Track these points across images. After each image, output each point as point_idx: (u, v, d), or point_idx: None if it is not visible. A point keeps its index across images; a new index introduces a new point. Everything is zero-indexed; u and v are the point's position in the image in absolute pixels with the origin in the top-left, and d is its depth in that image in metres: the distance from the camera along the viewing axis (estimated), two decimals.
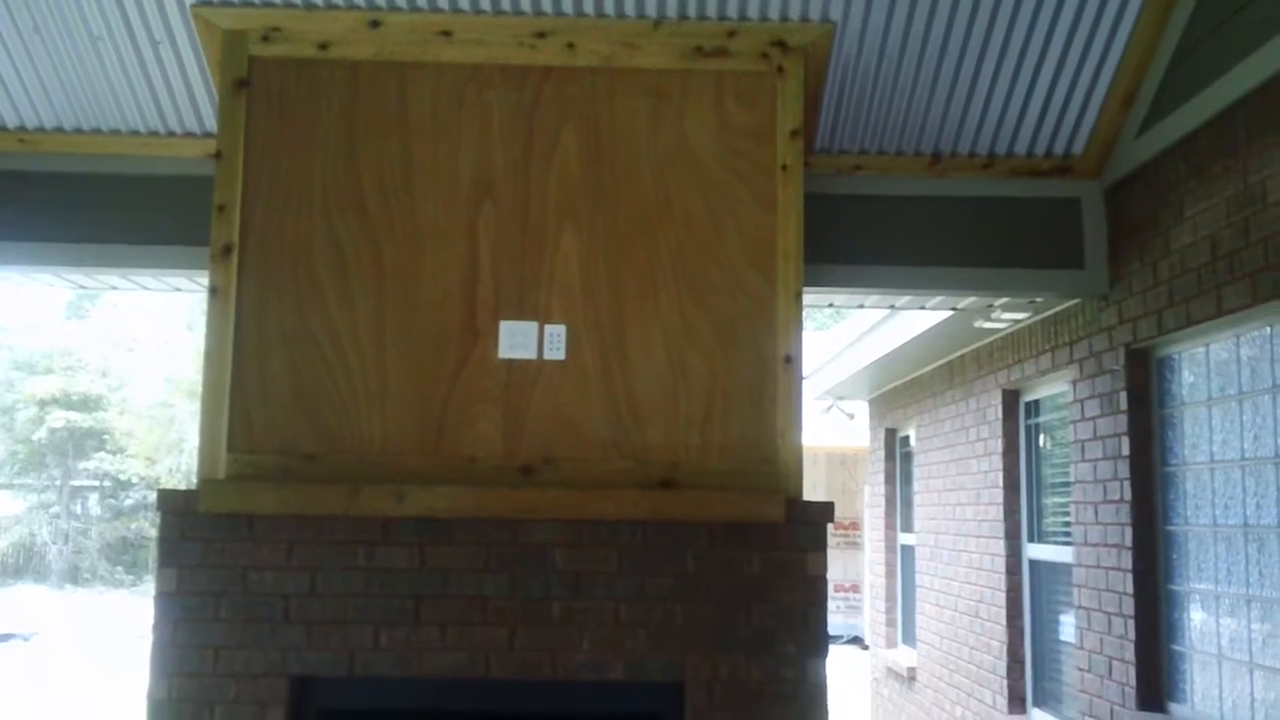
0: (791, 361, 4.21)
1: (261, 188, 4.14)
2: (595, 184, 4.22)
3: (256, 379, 4.01)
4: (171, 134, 4.80)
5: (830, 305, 5.98)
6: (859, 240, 5.05)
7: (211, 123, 4.68)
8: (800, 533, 4.06)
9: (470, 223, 4.16)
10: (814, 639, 4.02)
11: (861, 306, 6.10)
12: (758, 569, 4.03)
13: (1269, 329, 4.02)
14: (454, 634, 3.81)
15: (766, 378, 4.18)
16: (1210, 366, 4.45)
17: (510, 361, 4.08)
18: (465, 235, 4.15)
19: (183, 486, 3.85)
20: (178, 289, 5.44)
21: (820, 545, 4.08)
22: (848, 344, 9.02)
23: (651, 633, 3.94)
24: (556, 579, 3.91)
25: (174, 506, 3.83)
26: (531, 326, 4.11)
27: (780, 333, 4.23)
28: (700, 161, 4.26)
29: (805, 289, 4.89)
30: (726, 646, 3.96)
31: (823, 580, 4.04)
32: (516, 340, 4.08)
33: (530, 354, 4.08)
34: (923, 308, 6.04)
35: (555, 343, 4.10)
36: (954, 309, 5.91)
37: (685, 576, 3.98)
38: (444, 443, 4.00)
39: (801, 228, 4.25)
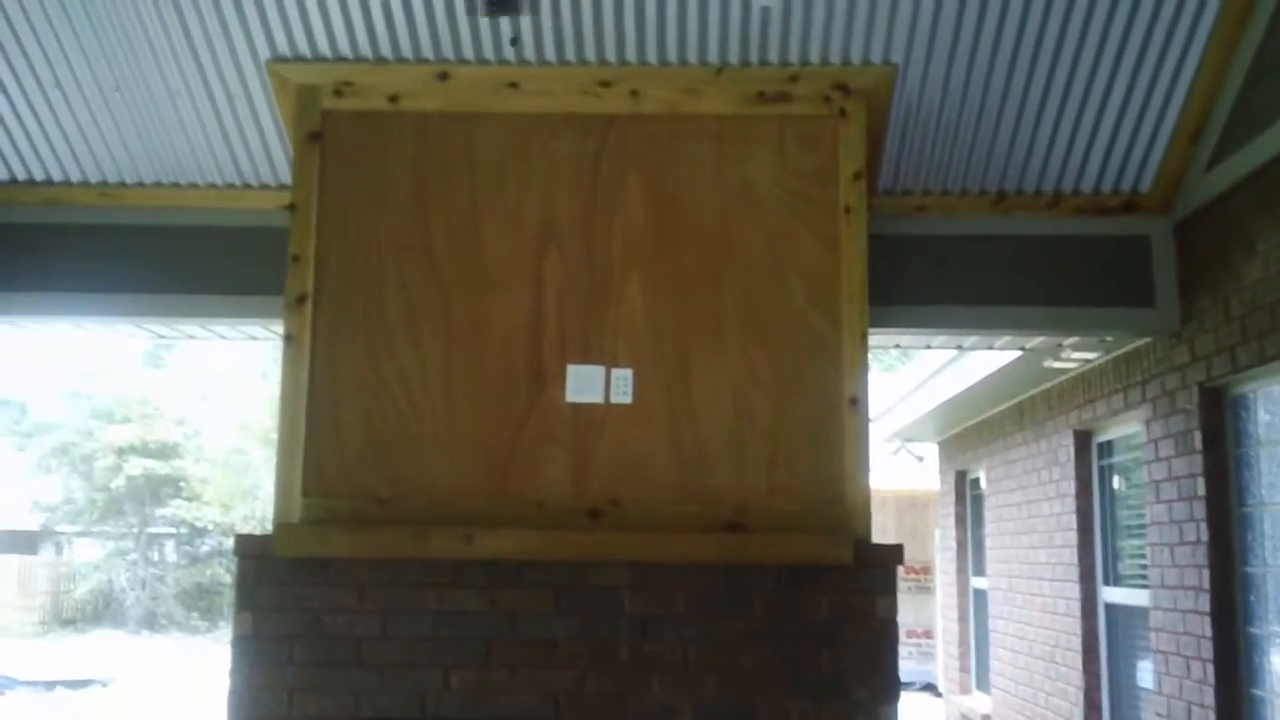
0: (857, 403, 4.20)
1: (334, 237, 4.25)
2: (659, 228, 4.27)
3: (329, 424, 4.09)
4: (247, 186, 4.96)
5: (897, 346, 5.97)
6: (925, 281, 5.03)
7: (286, 175, 4.82)
8: (869, 575, 4.02)
9: (536, 269, 4.22)
10: (885, 683, 3.97)
11: (929, 347, 6.07)
12: (827, 612, 3.99)
13: None
14: (524, 676, 3.83)
15: (832, 419, 4.17)
16: None
17: (577, 405, 4.12)
18: (531, 281, 4.21)
19: (258, 532, 3.94)
20: (253, 337, 5.59)
21: (890, 588, 4.04)
22: (916, 385, 8.95)
23: (720, 677, 3.93)
24: (625, 622, 3.92)
25: (250, 551, 3.92)
26: (598, 370, 4.15)
27: (846, 374, 4.22)
28: (763, 205, 4.29)
29: (871, 330, 4.88)
30: (796, 691, 3.92)
31: (893, 623, 4.00)
32: (583, 384, 4.13)
33: (597, 398, 4.12)
34: (991, 348, 5.99)
35: (622, 386, 4.14)
36: (1022, 349, 5.85)
37: (753, 620, 3.96)
38: (511, 486, 4.04)
39: (865, 269, 4.25)
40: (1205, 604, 4.69)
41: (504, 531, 3.89)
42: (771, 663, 3.94)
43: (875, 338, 5.54)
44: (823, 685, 3.93)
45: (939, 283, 5.03)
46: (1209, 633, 4.65)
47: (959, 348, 6.15)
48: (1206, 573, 4.68)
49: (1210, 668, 4.63)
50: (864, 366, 4.23)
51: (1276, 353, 4.17)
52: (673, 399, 4.16)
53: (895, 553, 4.07)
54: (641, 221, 4.28)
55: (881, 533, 20.33)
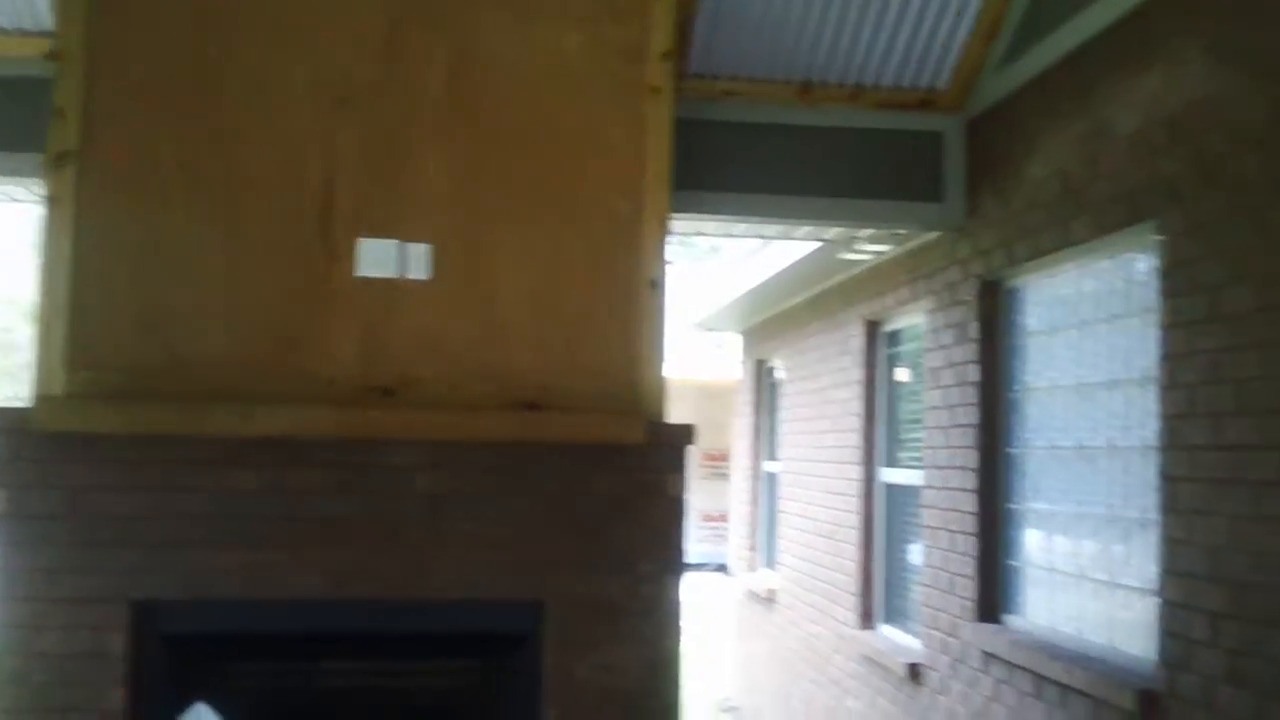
0: (656, 286, 4.22)
1: (104, 90, 3.91)
2: (462, 100, 4.11)
3: (96, 292, 3.82)
4: (3, 31, 4.50)
5: (700, 234, 6.01)
6: (729, 168, 5.06)
7: (49, 20, 4.39)
8: (660, 454, 4.10)
9: (328, 134, 4.01)
10: (671, 558, 4.08)
11: (731, 235, 6.14)
12: (619, 490, 4.06)
13: (1109, 261, 4.19)
14: (306, 557, 3.74)
15: (631, 301, 4.18)
16: (1055, 297, 4.62)
17: (371, 280, 3.98)
18: (322, 147, 4.00)
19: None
20: (15, 199, 5.14)
21: (680, 467, 4.13)
22: (721, 275, 9.09)
23: (512, 554, 3.95)
24: (416, 502, 3.88)
25: (6, 425, 3.66)
26: (393, 245, 4.00)
27: (646, 257, 4.22)
28: (570, 81, 4.19)
29: (674, 215, 4.89)
30: (587, 566, 3.99)
31: (682, 501, 4.10)
32: (377, 258, 3.98)
33: (391, 272, 3.99)
34: (791, 238, 6.11)
35: (418, 262, 4.01)
36: (821, 240, 6.00)
37: (547, 498, 3.99)
38: (298, 361, 3.89)
39: (669, 152, 4.24)
40: (971, 482, 4.99)
41: (288, 408, 3.75)
42: (563, 540, 3.99)
43: (678, 223, 5.56)
44: (612, 560, 4.01)
45: (743, 171, 5.07)
46: (973, 509, 4.97)
47: (761, 237, 6.25)
48: (974, 453, 4.98)
49: (973, 541, 4.96)
50: (663, 249, 4.24)
51: (1050, 248, 4.40)
52: (471, 276, 4.07)
53: (686, 433, 4.16)
54: (443, 91, 4.11)
55: (685, 420, 20.89)
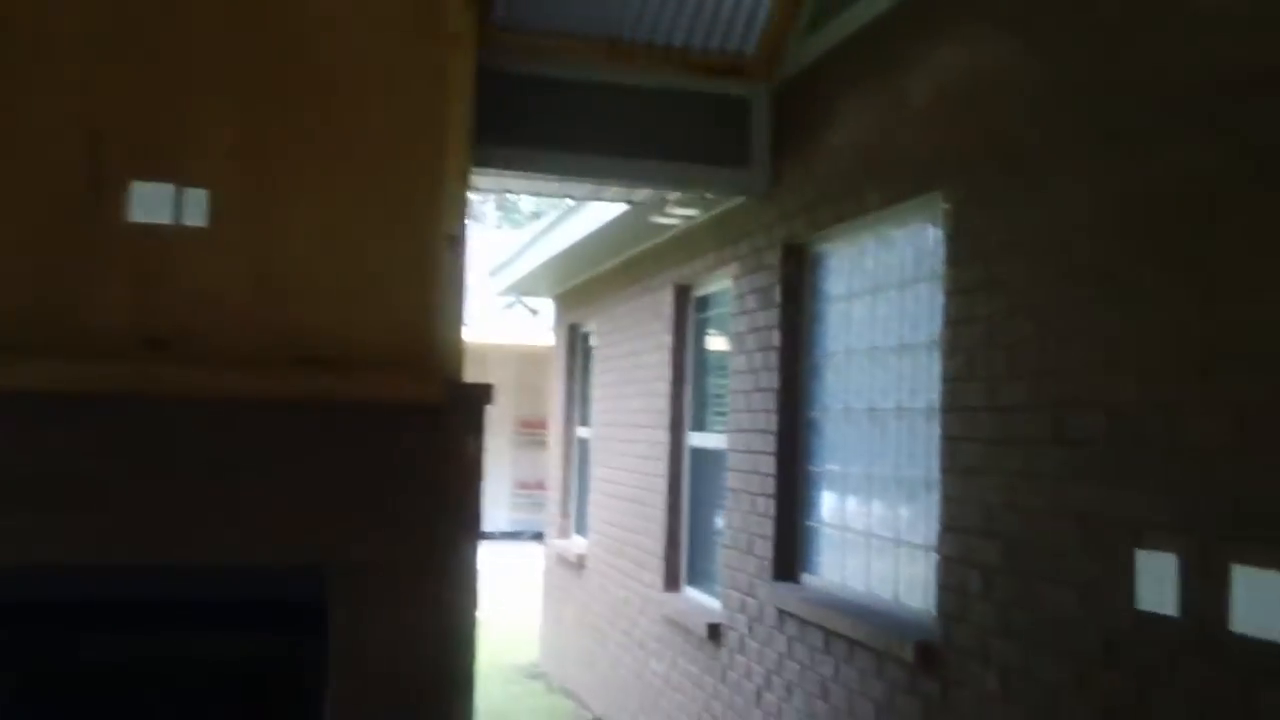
0: (455, 241, 4.09)
1: None
2: (250, 42, 3.86)
3: None
4: None
5: (507, 192, 5.90)
6: (535, 124, 4.96)
7: None
8: (458, 415, 3.99)
9: (97, 75, 3.71)
10: (467, 521, 3.99)
11: (539, 195, 6.05)
12: (413, 451, 3.93)
13: (901, 229, 4.30)
14: (64, 522, 3.47)
15: (428, 257, 4.04)
16: (853, 264, 4.72)
17: (142, 226, 3.71)
18: (91, 90, 3.69)
19: None
20: None
21: (478, 428, 4.02)
22: (533, 238, 8.98)
23: (297, 518, 3.77)
24: (191, 463, 3.65)
25: None
26: (167, 189, 3.74)
27: (445, 212, 4.08)
28: (368, 25, 3.99)
29: (477, 170, 4.77)
30: (378, 530, 3.84)
31: (479, 463, 4.01)
32: (149, 203, 3.70)
33: (166, 218, 3.73)
34: (600, 199, 6.07)
35: (195, 208, 3.76)
36: (630, 202, 5.98)
37: (336, 459, 3.82)
38: (62, 312, 3.60)
39: (471, 104, 4.11)
40: (771, 446, 5.08)
41: (47, 361, 3.47)
42: (353, 503, 3.83)
43: (483, 179, 5.44)
44: (405, 524, 3.89)
45: (550, 128, 4.98)
46: (773, 471, 5.06)
47: (570, 197, 6.19)
48: (775, 417, 5.06)
49: (772, 503, 5.05)
50: (464, 205, 4.12)
51: (848, 215, 4.49)
52: (255, 226, 3.84)
53: (484, 393, 4.05)
54: (229, 32, 3.86)
55: (503, 387, 20.73)
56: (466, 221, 4.14)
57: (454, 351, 4.07)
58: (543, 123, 4.96)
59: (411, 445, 3.92)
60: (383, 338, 3.95)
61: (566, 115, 5.00)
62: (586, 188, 5.64)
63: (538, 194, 6.02)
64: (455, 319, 4.06)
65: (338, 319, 3.91)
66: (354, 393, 3.84)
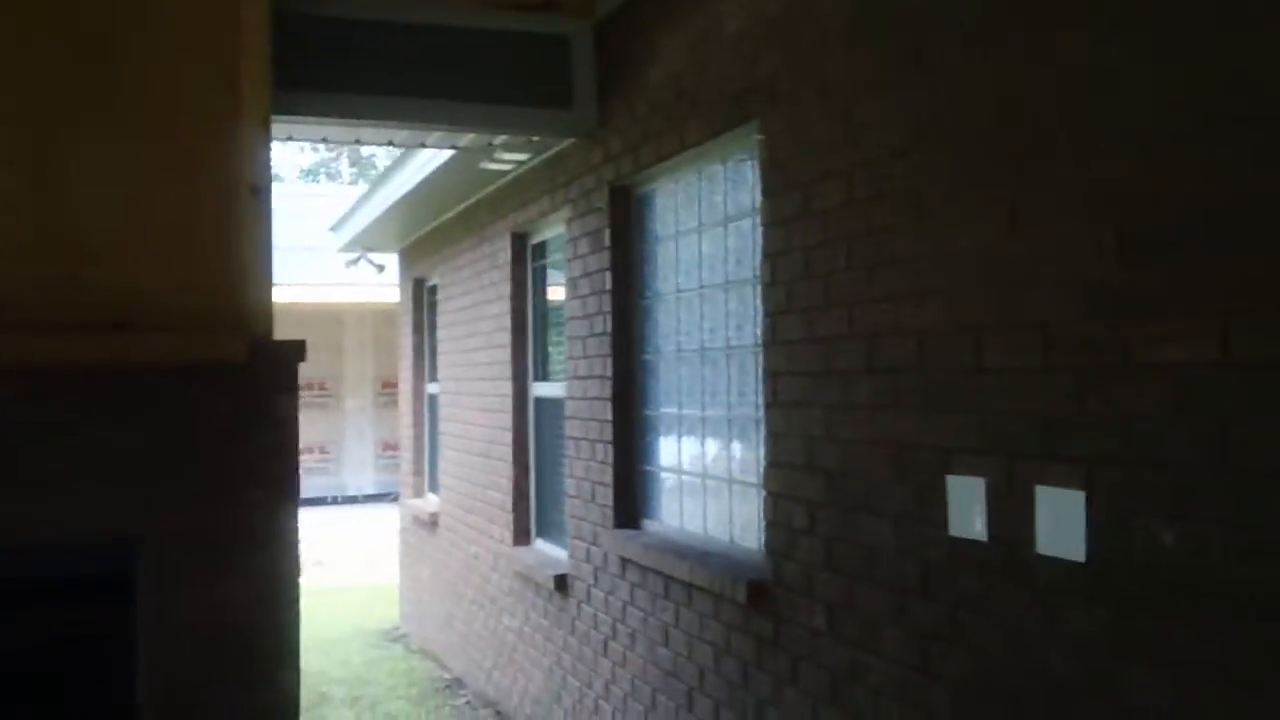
0: (259, 192, 3.85)
1: None
2: None
3: None
4: None
5: (324, 140, 5.63)
6: (345, 67, 4.70)
7: None
8: (268, 375, 3.78)
9: None
10: (284, 485, 3.79)
11: (359, 142, 5.79)
12: (222, 414, 3.71)
13: (722, 164, 4.22)
14: None
15: (231, 210, 3.80)
16: (679, 202, 4.63)
17: None
18: None
19: None
20: None
21: (291, 387, 3.82)
22: (369, 190, 8.67)
23: (101, 488, 3.53)
24: None
25: None
26: None
27: (246, 161, 3.83)
28: None
29: (283, 117, 4.53)
30: (189, 498, 3.63)
31: (294, 424, 3.81)
32: None
33: None
34: (423, 145, 5.84)
35: None
36: (455, 147, 5.77)
37: (141, 425, 3.58)
38: None
39: (268, 46, 3.85)
40: (608, 391, 4.99)
41: None
42: (161, 470, 3.61)
43: (296, 127, 5.17)
44: (217, 490, 3.68)
45: (361, 71, 4.73)
46: (610, 417, 4.97)
47: (392, 144, 5.94)
48: (610, 361, 4.97)
49: (610, 449, 4.97)
50: (267, 153, 3.88)
51: (670, 152, 4.39)
52: (41, 183, 3.55)
53: (296, 350, 3.84)
54: None
55: (359, 348, 20.25)
56: (272, 171, 3.92)
57: (262, 307, 3.84)
58: (352, 65, 4.70)
59: (221, 407, 3.71)
60: (185, 296, 3.70)
61: (379, 57, 4.75)
62: (407, 134, 5.41)
63: (358, 142, 5.75)
64: (263, 273, 3.83)
65: (135, 278, 3.65)
66: (155, 355, 3.59)
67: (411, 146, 5.92)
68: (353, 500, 19.57)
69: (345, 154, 33.67)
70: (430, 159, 6.37)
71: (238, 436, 3.72)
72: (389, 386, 19.24)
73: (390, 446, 19.04)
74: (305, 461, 21.24)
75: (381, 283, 15.89)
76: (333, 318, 19.41)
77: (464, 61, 4.90)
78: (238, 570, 3.72)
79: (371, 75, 4.75)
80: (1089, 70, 2.39)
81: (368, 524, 16.48)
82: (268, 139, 3.90)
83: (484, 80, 4.93)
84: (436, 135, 5.50)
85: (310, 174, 35.66)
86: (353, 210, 9.37)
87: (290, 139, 5.70)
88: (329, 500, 19.40)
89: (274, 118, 4.33)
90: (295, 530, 3.82)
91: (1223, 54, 2.09)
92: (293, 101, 4.50)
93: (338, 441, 20.14)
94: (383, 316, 19.01)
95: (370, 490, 19.84)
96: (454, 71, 4.87)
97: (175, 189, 3.73)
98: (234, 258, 3.79)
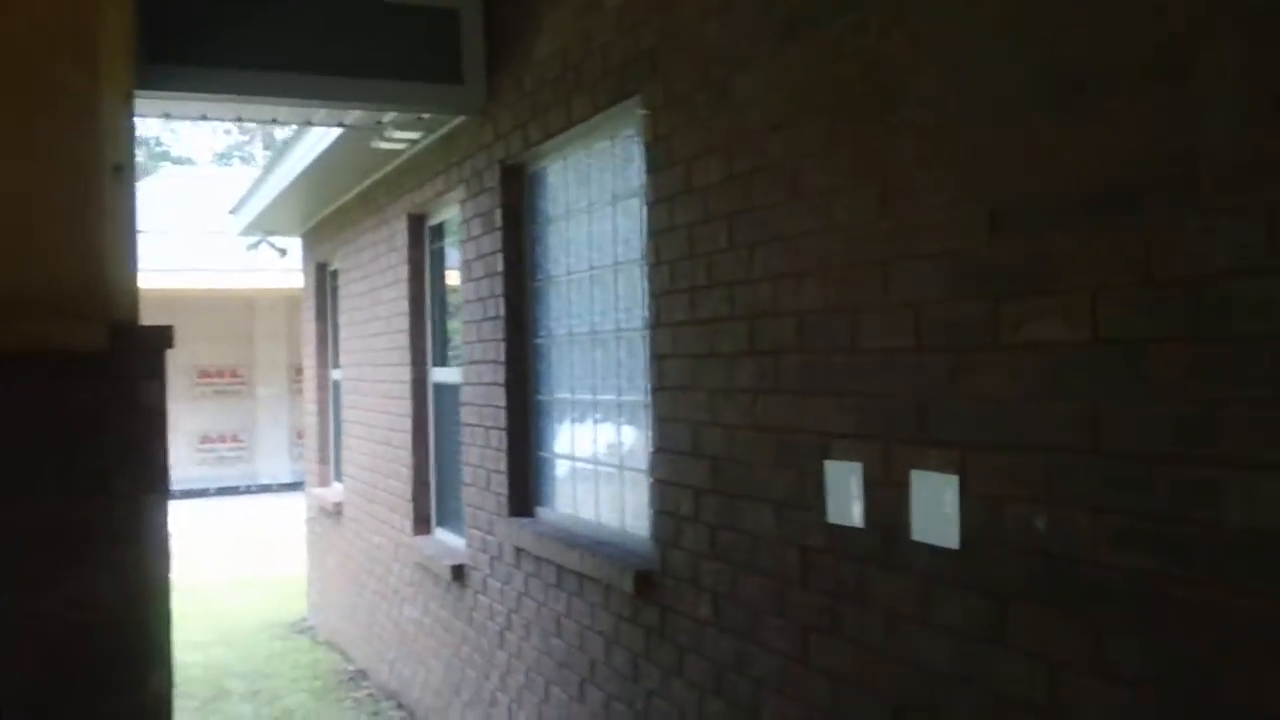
0: (122, 171, 3.64)
1: None
2: None
3: None
4: None
5: (204, 117, 5.38)
6: (217, 40, 4.48)
7: None
8: (132, 362, 3.58)
9: None
10: (150, 474, 3.60)
11: (239, 120, 5.56)
12: (83, 403, 3.51)
13: (608, 140, 4.09)
14: None
15: (90, 190, 3.57)
16: (569, 180, 4.50)
17: None
18: None
19: None
20: None
21: (156, 374, 3.62)
22: (264, 172, 8.39)
23: None
24: None
25: None
26: None
27: (107, 138, 3.62)
28: None
29: (151, 92, 4.31)
30: (47, 490, 3.43)
31: (161, 412, 3.61)
32: None
33: None
34: (309, 123, 5.63)
35: None
36: (342, 125, 5.55)
37: None
38: None
39: (131, 19, 3.65)
40: (502, 376, 4.85)
41: None
42: (17, 462, 3.40)
43: (173, 104, 4.94)
44: (78, 482, 3.48)
45: (232, 42, 4.51)
46: (504, 403, 4.83)
47: (274, 121, 5.71)
48: (503, 346, 4.83)
49: (505, 436, 4.84)
50: (130, 130, 3.68)
51: (557, 129, 4.25)
52: None
53: (163, 336, 3.65)
54: None
55: (272, 335, 19.76)
56: (134, 147, 3.71)
57: (125, 291, 3.64)
58: (224, 38, 4.47)
59: (81, 396, 3.51)
60: (38, 281, 3.48)
61: (254, 29, 4.53)
62: (290, 110, 5.19)
63: (239, 120, 5.52)
64: (125, 256, 3.62)
65: None
66: (7, 344, 3.38)
67: (296, 124, 5.70)
68: (266, 489, 19.15)
69: (259, 137, 32.87)
70: (323, 137, 6.15)
71: (101, 426, 3.52)
72: (303, 373, 18.85)
73: (300, 435, 18.67)
74: (218, 450, 20.74)
75: (291, 268, 15.53)
76: (244, 303, 18.92)
77: (349, 34, 4.70)
78: (100, 567, 3.52)
79: (247, 47, 4.53)
80: (959, 38, 2.30)
81: (280, 513, 16.13)
82: (130, 114, 3.69)
83: (370, 54, 4.73)
84: (322, 113, 5.29)
85: (224, 157, 34.82)
86: (251, 191, 9.07)
87: (168, 116, 5.45)
88: (242, 489, 18.97)
89: (142, 93, 4.14)
90: (165, 523, 3.63)
91: (1093, 23, 2.01)
92: (160, 75, 4.28)
93: (250, 430, 19.69)
94: (295, 302, 18.54)
95: (286, 479, 19.41)
96: (338, 44, 4.67)
97: (25, 170, 3.51)
98: (92, 240, 3.57)
